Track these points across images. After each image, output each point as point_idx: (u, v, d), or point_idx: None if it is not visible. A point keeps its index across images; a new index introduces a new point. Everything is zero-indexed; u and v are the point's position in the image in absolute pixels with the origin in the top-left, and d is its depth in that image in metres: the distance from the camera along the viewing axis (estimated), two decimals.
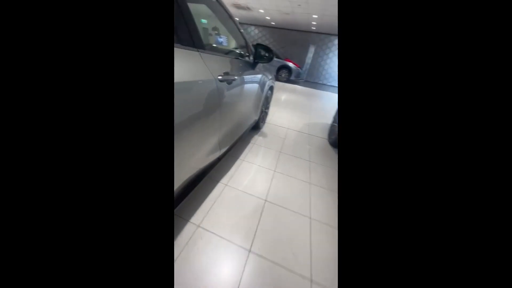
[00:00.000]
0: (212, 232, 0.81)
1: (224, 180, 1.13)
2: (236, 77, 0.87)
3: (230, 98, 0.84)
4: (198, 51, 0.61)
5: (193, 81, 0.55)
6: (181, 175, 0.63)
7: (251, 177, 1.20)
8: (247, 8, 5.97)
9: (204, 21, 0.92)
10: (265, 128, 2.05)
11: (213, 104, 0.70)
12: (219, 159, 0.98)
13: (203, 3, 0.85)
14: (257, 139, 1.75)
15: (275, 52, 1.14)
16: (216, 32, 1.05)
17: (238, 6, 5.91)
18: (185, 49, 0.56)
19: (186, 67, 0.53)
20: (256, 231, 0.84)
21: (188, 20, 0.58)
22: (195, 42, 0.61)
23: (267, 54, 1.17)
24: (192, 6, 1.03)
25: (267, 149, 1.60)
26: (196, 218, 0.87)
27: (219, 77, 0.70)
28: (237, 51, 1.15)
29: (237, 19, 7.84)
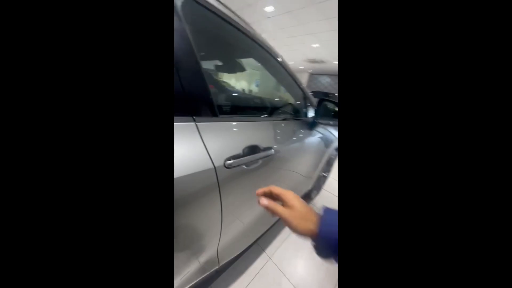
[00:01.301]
0: None
1: None
2: (272, 150, 0.54)
3: (247, 187, 0.49)
4: (194, 121, 0.36)
5: None
6: None
7: None
8: (320, 62, 6.28)
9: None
10: (320, 199, 1.44)
11: (206, 205, 0.38)
12: (217, 272, 0.58)
13: (251, 57, 0.69)
14: None
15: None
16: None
17: (312, 61, 6.37)
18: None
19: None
20: None
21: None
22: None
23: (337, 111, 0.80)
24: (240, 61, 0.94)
25: None
26: None
27: (229, 162, 0.40)
28: (290, 108, 0.87)
29: (310, 70, 8.55)
